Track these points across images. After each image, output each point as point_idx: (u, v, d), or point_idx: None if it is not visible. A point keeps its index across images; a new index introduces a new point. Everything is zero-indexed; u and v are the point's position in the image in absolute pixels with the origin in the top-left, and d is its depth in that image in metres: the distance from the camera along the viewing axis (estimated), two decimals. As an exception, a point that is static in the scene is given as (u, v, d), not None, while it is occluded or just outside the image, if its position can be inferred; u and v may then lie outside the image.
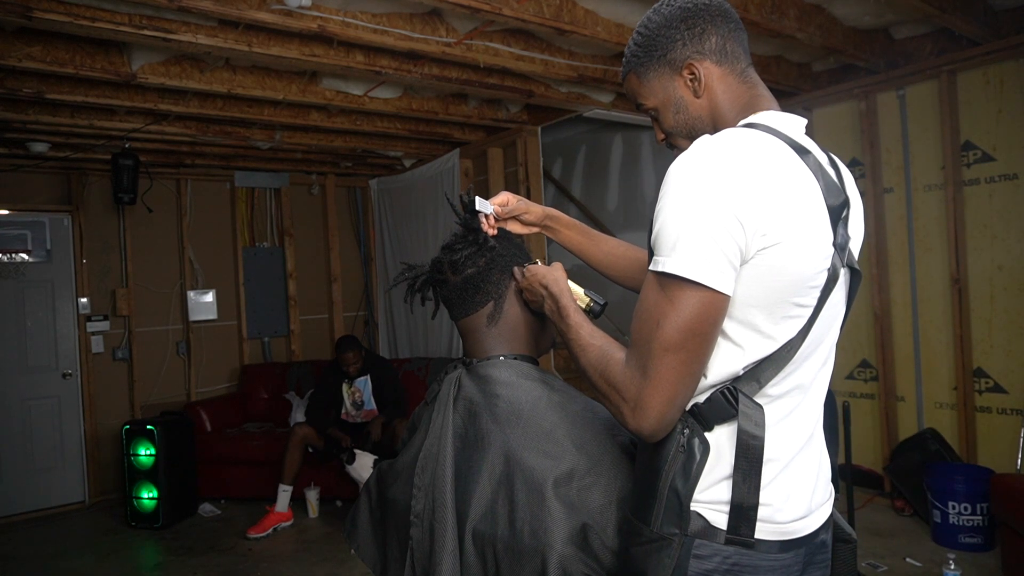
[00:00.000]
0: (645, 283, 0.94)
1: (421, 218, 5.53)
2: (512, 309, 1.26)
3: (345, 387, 4.57)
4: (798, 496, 0.98)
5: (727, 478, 0.93)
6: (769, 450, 0.94)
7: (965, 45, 3.56)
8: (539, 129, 4.62)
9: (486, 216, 1.27)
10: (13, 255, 4.80)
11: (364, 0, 2.76)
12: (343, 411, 4.57)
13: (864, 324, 4.06)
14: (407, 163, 5.71)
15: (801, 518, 0.98)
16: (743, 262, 0.89)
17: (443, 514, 1.10)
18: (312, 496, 4.43)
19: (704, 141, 0.91)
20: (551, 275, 1.17)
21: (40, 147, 4.29)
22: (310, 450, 4.43)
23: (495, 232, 1.29)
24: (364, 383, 4.57)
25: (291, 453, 4.30)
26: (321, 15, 2.71)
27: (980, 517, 3.29)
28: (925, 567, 3.19)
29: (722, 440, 0.94)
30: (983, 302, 3.61)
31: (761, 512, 0.93)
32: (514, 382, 1.18)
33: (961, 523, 3.33)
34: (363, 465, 3.94)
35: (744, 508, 0.92)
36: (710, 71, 1.02)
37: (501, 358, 1.23)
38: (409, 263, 1.35)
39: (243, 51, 2.92)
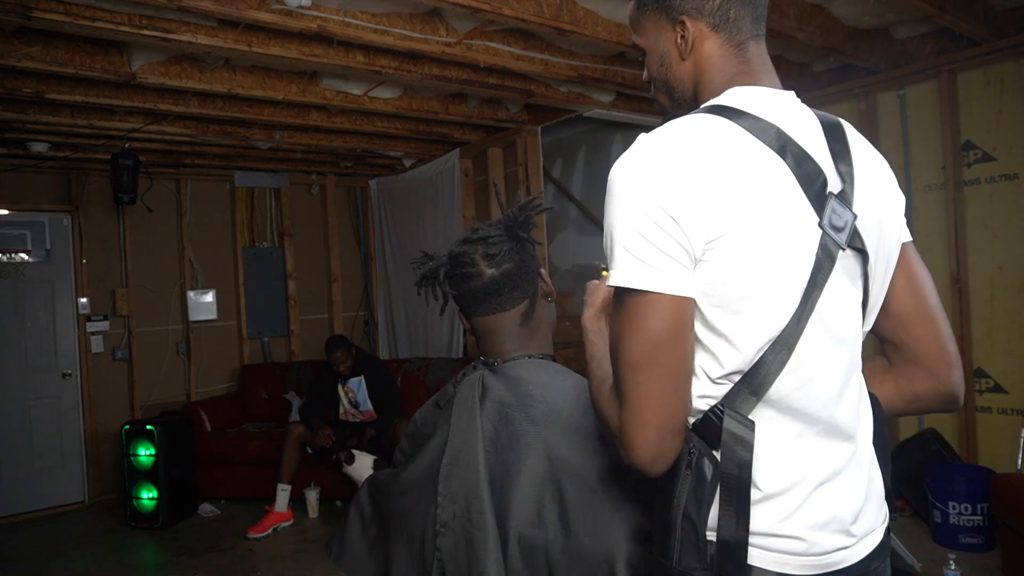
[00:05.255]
0: None
1: (421, 218, 5.53)
2: (541, 309, 1.23)
3: (340, 387, 4.57)
4: (833, 521, 0.86)
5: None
6: (782, 470, 0.84)
7: (965, 45, 3.56)
8: (539, 129, 4.61)
9: None
10: (13, 255, 4.80)
11: (364, 0, 2.76)
12: (342, 410, 4.57)
13: (864, 324, 4.05)
14: (407, 163, 5.71)
15: (840, 549, 0.86)
16: (695, 260, 0.81)
17: (482, 521, 1.04)
18: (312, 496, 4.43)
19: (639, 141, 0.87)
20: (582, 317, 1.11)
21: (40, 147, 4.29)
22: (309, 451, 4.43)
23: None
24: (358, 384, 4.55)
25: (288, 452, 4.30)
26: (321, 15, 2.71)
27: (980, 517, 3.29)
28: (925, 567, 3.18)
29: None
30: (983, 302, 3.61)
31: (787, 544, 0.83)
32: (547, 382, 1.14)
33: (961, 523, 3.33)
34: (363, 466, 3.92)
35: (732, 545, 0.81)
36: (702, 34, 0.94)
37: (526, 358, 1.19)
38: (427, 251, 1.29)
39: (243, 51, 2.92)
